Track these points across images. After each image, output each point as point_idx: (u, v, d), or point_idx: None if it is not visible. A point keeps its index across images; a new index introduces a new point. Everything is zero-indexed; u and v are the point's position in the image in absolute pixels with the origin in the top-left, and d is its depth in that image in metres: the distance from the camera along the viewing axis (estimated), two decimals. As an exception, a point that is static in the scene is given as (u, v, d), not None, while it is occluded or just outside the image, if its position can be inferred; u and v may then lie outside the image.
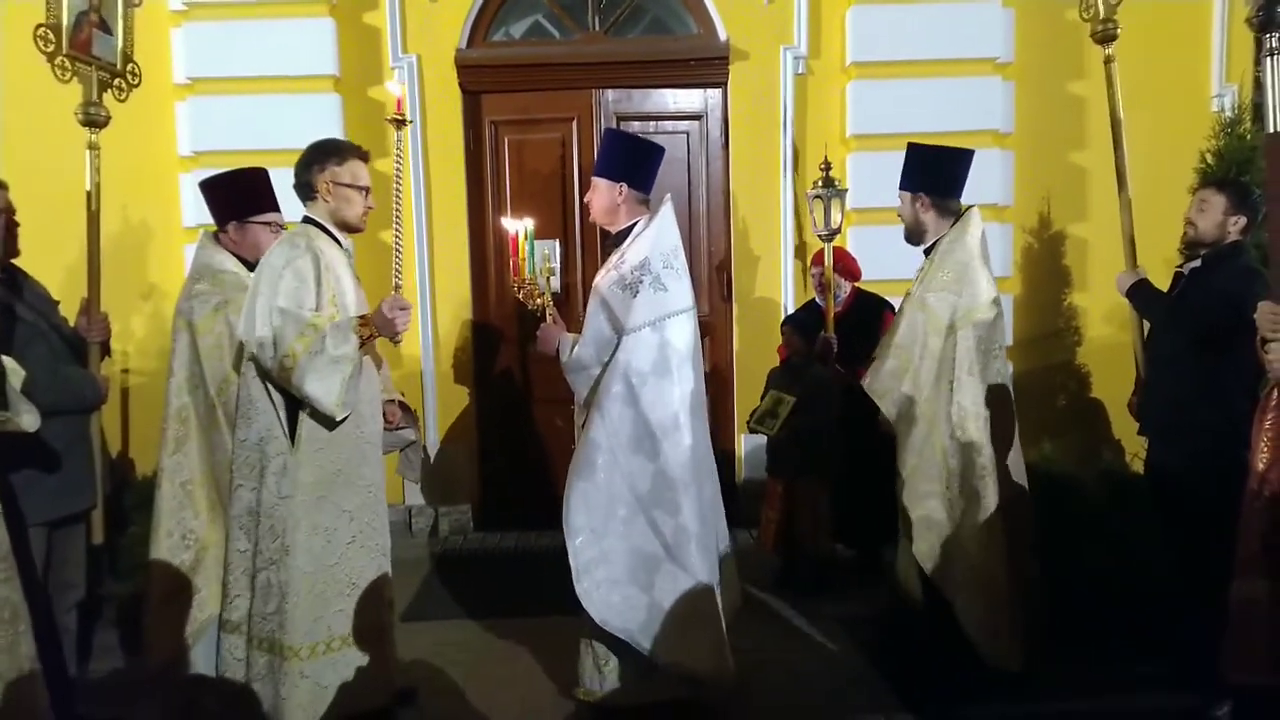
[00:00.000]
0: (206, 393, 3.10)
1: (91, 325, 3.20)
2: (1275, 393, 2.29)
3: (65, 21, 3.21)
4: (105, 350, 3.29)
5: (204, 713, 3.08)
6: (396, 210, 2.88)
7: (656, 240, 3.06)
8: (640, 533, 2.97)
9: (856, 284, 4.68)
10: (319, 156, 2.94)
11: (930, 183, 3.32)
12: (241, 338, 2.81)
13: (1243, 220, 3.13)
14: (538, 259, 3.17)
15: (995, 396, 3.17)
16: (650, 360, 2.98)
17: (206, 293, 3.12)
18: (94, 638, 3.50)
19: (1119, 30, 3.58)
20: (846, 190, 4.70)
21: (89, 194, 3.37)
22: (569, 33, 5.56)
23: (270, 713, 2.78)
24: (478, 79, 5.40)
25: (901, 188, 3.37)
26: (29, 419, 2.39)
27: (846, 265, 4.66)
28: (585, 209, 3.41)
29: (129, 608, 3.77)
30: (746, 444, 5.46)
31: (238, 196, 3.24)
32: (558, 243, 5.43)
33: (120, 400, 5.06)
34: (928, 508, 3.15)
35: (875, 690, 3.42)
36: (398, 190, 2.87)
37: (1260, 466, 2.28)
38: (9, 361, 2.42)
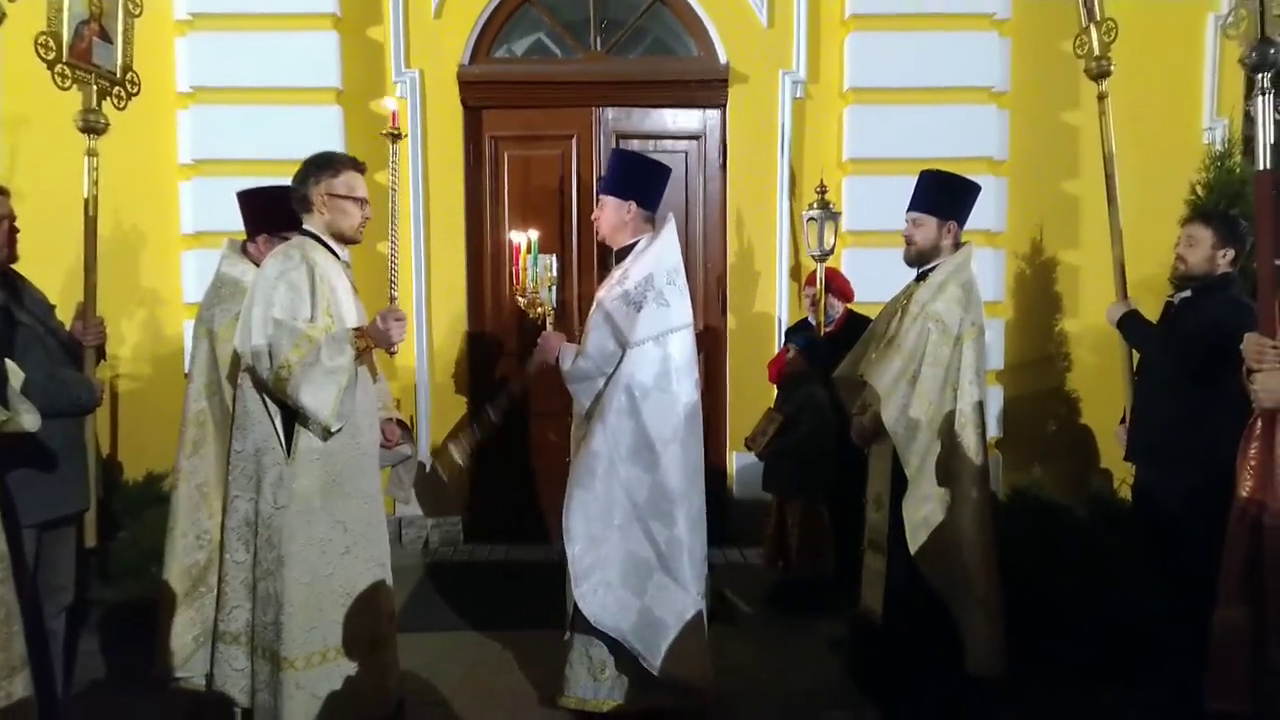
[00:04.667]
0: (222, 398, 3.14)
1: (87, 330, 3.22)
2: (1260, 422, 2.32)
3: (65, 30, 3.22)
4: (100, 354, 3.30)
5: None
6: (393, 223, 2.91)
7: (660, 257, 3.13)
8: (635, 540, 3.06)
9: (849, 305, 4.73)
10: (313, 170, 2.92)
11: (960, 213, 3.39)
12: (237, 349, 2.83)
13: (1231, 252, 3.17)
14: (540, 269, 3.21)
15: (982, 409, 3.30)
16: (653, 374, 3.05)
17: (228, 302, 3.14)
18: (80, 643, 3.49)
19: (1113, 67, 3.63)
20: (840, 213, 4.82)
21: (86, 200, 3.38)
22: (571, 51, 5.61)
23: None
24: (479, 95, 5.45)
25: (927, 211, 3.36)
26: (30, 419, 2.41)
27: (839, 286, 4.74)
28: (583, 225, 3.46)
29: (116, 613, 3.76)
30: (739, 460, 5.48)
31: (275, 211, 3.18)
32: (554, 257, 5.42)
33: (110, 404, 5.05)
34: (927, 510, 3.20)
35: (856, 706, 3.45)
36: (393, 203, 2.90)
37: (1244, 494, 2.31)
38: (9, 364, 2.44)
